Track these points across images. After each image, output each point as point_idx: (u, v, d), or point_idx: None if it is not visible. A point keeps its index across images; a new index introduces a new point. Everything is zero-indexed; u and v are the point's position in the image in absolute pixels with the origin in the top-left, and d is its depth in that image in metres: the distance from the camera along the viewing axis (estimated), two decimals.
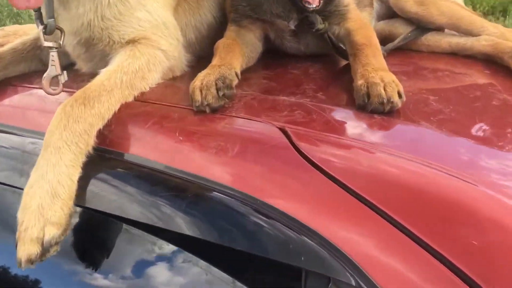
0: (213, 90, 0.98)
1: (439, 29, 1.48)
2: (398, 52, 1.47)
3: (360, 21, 1.32)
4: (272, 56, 1.40)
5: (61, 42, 1.11)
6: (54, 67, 1.10)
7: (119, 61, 1.10)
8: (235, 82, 1.06)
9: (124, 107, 1.03)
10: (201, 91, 0.98)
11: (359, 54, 1.10)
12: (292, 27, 1.31)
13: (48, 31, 1.11)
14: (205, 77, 1.02)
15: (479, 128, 0.97)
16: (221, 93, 0.98)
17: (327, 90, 1.09)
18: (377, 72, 1.00)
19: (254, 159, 0.83)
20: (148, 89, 1.10)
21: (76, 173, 0.91)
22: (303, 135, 0.85)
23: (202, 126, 0.93)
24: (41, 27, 1.10)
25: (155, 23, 1.19)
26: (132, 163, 0.92)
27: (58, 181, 0.88)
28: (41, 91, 1.15)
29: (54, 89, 1.09)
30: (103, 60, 1.19)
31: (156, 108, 1.02)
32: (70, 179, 0.90)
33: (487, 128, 0.99)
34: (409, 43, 1.49)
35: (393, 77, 0.99)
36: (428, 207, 0.71)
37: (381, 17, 1.64)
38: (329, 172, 0.77)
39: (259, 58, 1.39)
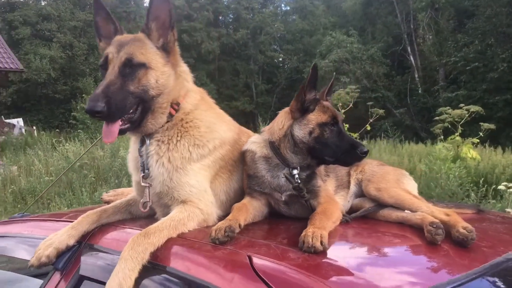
0: (222, 232, 1.71)
1: (392, 206, 2.13)
2: (364, 220, 2.12)
3: (328, 198, 2.04)
4: (275, 216, 2.15)
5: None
6: (146, 196, 1.99)
7: (171, 214, 1.91)
8: (237, 230, 1.78)
9: (170, 240, 1.79)
10: (215, 232, 1.71)
11: (312, 217, 1.80)
12: (283, 198, 2.06)
13: (145, 176, 2.01)
14: (220, 224, 1.77)
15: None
16: (226, 234, 1.70)
17: (291, 237, 1.76)
18: (313, 229, 1.65)
19: (230, 270, 1.51)
20: (187, 232, 1.87)
21: (134, 275, 1.64)
22: (259, 260, 1.52)
23: (211, 252, 1.65)
24: (141, 174, 2.02)
25: (199, 189, 2.02)
26: (169, 272, 1.63)
27: (123, 278, 1.61)
28: (128, 229, 1.99)
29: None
30: (166, 208, 2.02)
31: (188, 242, 1.77)
32: (130, 278, 1.63)
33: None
34: (371, 214, 2.14)
35: (322, 232, 1.63)
36: None
37: (359, 195, 2.34)
38: (271, 284, 1.41)
39: (266, 216, 2.14)
